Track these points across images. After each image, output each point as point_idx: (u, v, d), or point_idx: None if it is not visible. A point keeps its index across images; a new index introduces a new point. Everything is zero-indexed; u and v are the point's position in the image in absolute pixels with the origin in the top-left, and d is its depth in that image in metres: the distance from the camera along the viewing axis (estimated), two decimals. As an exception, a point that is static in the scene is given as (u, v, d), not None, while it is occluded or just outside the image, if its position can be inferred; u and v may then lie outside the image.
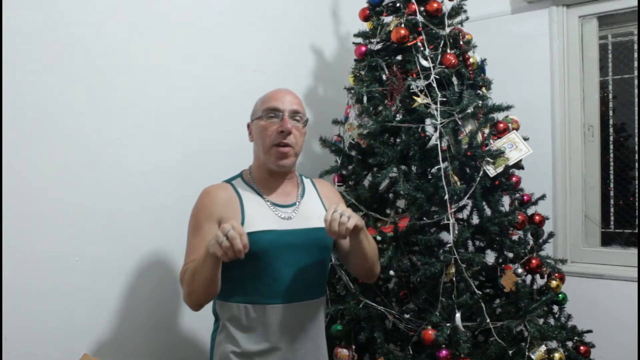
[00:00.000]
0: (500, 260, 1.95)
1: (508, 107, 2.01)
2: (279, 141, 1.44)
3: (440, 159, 1.86)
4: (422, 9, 2.03)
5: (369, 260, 1.52)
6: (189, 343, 1.96)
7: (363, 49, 2.12)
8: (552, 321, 2.00)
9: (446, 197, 1.82)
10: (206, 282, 1.31)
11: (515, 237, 1.95)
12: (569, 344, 1.95)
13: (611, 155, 2.57)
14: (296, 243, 1.44)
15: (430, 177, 2.02)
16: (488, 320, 1.77)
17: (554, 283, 1.95)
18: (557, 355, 1.79)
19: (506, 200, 1.99)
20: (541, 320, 1.91)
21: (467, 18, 2.10)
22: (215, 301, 1.50)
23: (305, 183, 1.61)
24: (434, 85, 1.93)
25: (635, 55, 2.49)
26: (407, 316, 1.85)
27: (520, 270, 1.89)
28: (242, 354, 1.41)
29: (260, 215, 1.44)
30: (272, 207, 1.48)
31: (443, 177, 1.83)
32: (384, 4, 2.11)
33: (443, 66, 1.95)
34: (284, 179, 1.53)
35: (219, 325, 1.48)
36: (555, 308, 2.02)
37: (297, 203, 1.52)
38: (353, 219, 1.33)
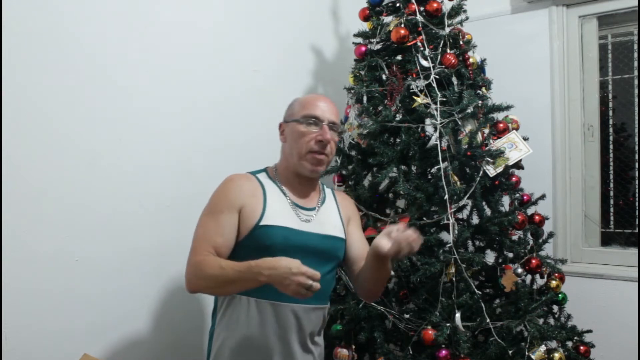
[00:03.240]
0: (500, 260, 1.95)
1: (508, 107, 2.01)
2: (317, 150, 1.47)
3: (440, 159, 1.86)
4: (422, 8, 2.03)
5: (381, 286, 1.58)
6: (188, 342, 1.96)
7: (363, 49, 2.12)
8: (552, 321, 2.00)
9: (446, 197, 1.82)
10: (235, 290, 1.39)
11: (515, 237, 1.95)
12: (569, 343, 1.95)
13: (611, 155, 2.57)
14: (310, 246, 1.44)
15: (430, 177, 2.02)
16: (488, 320, 1.77)
17: (553, 283, 1.95)
18: (557, 355, 1.79)
19: (506, 200, 1.99)
20: (541, 320, 1.90)
21: (467, 18, 2.10)
22: None
23: (326, 192, 1.64)
24: (434, 85, 1.93)
25: (635, 55, 2.49)
26: (407, 316, 1.85)
27: (520, 270, 1.89)
28: (238, 349, 1.41)
29: (281, 212, 1.46)
30: (293, 206, 1.50)
31: (443, 177, 1.83)
32: (383, 4, 2.11)
33: (443, 66, 1.95)
34: (309, 184, 1.55)
35: (216, 320, 1.49)
36: (555, 308, 2.02)
37: (317, 208, 1.55)
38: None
